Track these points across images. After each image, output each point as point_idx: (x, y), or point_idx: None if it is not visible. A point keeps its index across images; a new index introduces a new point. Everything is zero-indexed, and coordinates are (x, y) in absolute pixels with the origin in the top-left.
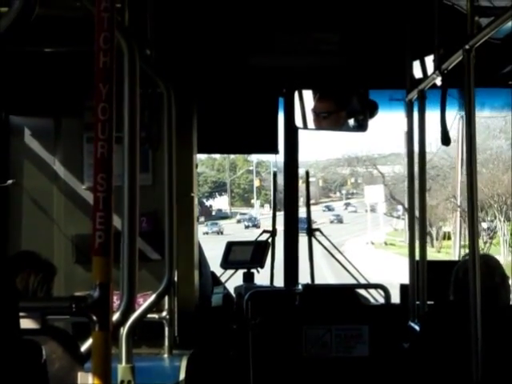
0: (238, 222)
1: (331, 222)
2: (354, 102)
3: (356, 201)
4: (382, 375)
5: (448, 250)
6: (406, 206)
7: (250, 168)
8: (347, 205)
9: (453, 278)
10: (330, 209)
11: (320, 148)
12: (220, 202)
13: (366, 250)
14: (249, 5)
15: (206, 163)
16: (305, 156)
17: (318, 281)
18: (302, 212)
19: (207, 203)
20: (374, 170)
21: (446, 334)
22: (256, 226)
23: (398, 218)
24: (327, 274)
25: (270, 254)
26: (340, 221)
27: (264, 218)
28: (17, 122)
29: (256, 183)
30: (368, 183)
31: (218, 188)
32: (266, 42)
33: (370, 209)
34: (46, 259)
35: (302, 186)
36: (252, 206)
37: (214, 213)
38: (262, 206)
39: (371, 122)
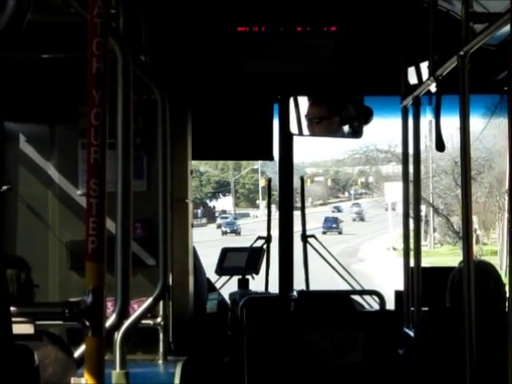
0: (218, 226)
1: (354, 219)
2: (349, 108)
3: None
4: (377, 381)
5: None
6: (430, 205)
7: (255, 167)
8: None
9: (449, 285)
10: (339, 210)
11: (333, 145)
12: (224, 203)
13: (386, 258)
14: (243, 11)
15: (209, 162)
16: (314, 155)
17: (313, 287)
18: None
19: (210, 204)
20: (389, 167)
21: (440, 340)
22: (236, 232)
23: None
24: (323, 281)
25: (265, 260)
26: (362, 218)
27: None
28: (11, 128)
29: (261, 183)
30: (383, 181)
31: (222, 188)
32: (260, 49)
33: (390, 207)
34: (14, 256)
35: (309, 185)
36: (257, 206)
37: (217, 214)
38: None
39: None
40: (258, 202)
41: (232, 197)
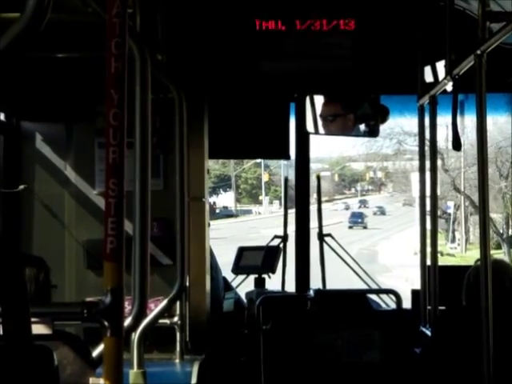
0: None
1: (374, 213)
2: (365, 106)
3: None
4: (394, 380)
5: None
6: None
7: (258, 161)
8: (362, 202)
9: (465, 284)
10: (346, 207)
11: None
12: (225, 199)
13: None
14: (260, 10)
15: None
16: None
17: (330, 286)
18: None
19: (211, 200)
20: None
21: (457, 339)
22: None
23: (448, 217)
24: (339, 279)
25: (282, 259)
26: (383, 212)
27: (273, 216)
28: (28, 127)
29: (264, 178)
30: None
31: (223, 183)
32: (277, 47)
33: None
34: (34, 256)
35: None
36: (260, 202)
37: (218, 211)
38: (270, 202)
39: None
40: (260, 197)
41: (233, 192)
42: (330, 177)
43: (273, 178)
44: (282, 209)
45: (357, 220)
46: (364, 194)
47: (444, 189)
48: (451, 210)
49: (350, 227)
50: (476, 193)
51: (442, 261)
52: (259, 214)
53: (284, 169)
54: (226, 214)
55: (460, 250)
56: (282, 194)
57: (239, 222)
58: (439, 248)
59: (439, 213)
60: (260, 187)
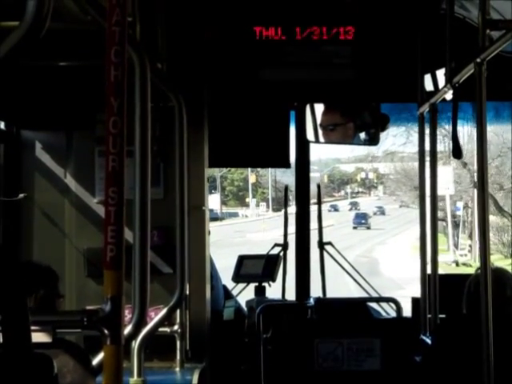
0: None
1: (374, 213)
2: (365, 115)
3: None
4: None
5: None
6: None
7: None
8: (353, 204)
9: (465, 292)
10: (335, 209)
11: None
12: (210, 201)
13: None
14: (260, 18)
15: None
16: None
17: (330, 294)
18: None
19: None
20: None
21: (458, 347)
22: None
23: (458, 220)
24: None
25: (282, 268)
26: (383, 213)
27: (260, 219)
28: (28, 136)
29: (251, 179)
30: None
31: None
32: (277, 56)
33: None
34: (45, 265)
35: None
36: (247, 205)
37: None
38: (257, 205)
39: None
40: (247, 200)
41: (218, 194)
42: (319, 178)
43: (260, 179)
44: (270, 211)
45: (360, 221)
46: (354, 196)
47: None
48: (461, 212)
49: (355, 228)
50: (496, 191)
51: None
52: (246, 216)
53: (272, 170)
54: (211, 217)
55: (471, 258)
56: (270, 197)
57: (224, 226)
58: (451, 257)
59: (443, 215)
60: (247, 189)
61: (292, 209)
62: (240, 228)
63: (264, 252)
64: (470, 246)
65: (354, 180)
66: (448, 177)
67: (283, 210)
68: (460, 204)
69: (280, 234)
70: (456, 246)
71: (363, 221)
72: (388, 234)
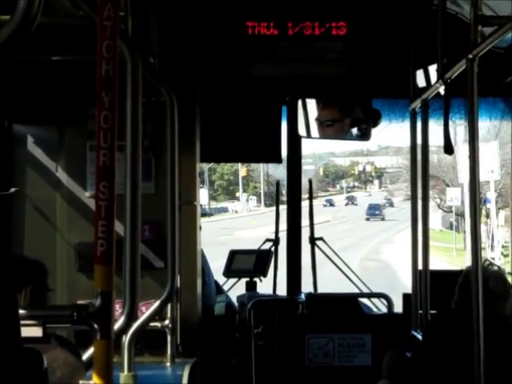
0: None
1: (383, 205)
2: (357, 110)
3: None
4: None
5: None
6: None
7: None
8: (350, 199)
9: (456, 288)
10: (331, 204)
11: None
12: None
13: None
14: (252, 13)
15: None
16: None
17: (322, 289)
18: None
19: None
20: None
21: (448, 342)
22: None
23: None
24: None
25: (273, 263)
26: (391, 204)
27: (250, 215)
28: (20, 130)
29: (242, 173)
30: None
31: None
32: (269, 51)
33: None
34: (33, 259)
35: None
36: (238, 199)
37: None
38: (247, 200)
39: None
40: (237, 194)
41: (206, 188)
42: (314, 171)
43: (252, 173)
44: (262, 206)
45: (374, 212)
46: (349, 191)
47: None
48: (492, 205)
49: (367, 219)
50: None
51: None
52: (236, 212)
53: (264, 164)
54: None
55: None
56: (262, 191)
57: (212, 222)
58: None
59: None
60: (237, 183)
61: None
62: (228, 224)
63: None
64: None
65: (349, 174)
66: (493, 156)
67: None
68: (491, 195)
69: (271, 230)
70: (489, 246)
71: (377, 212)
72: (403, 225)
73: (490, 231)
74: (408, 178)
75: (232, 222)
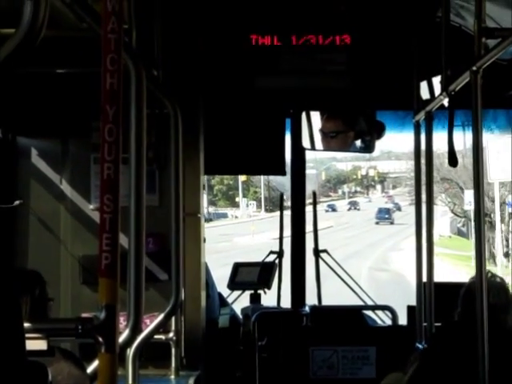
0: None
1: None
2: (361, 123)
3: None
4: None
5: None
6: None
7: None
8: (352, 204)
9: (459, 300)
10: (333, 209)
11: None
12: None
13: None
14: (255, 26)
15: None
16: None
17: (326, 302)
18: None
19: None
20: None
21: (452, 354)
22: None
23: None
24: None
25: (277, 275)
26: (399, 209)
27: (251, 221)
28: (24, 143)
29: (242, 177)
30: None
31: None
32: (273, 63)
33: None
34: (30, 270)
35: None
36: (237, 205)
37: None
38: (247, 205)
39: None
40: (237, 199)
41: (205, 193)
42: (315, 176)
43: (252, 178)
44: (262, 212)
45: (384, 216)
46: (351, 196)
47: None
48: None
49: (377, 223)
50: None
51: None
52: (236, 217)
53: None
54: None
55: None
56: (262, 196)
57: (211, 228)
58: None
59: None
60: (237, 188)
61: (285, 213)
62: (227, 230)
63: (252, 259)
64: None
65: (351, 179)
66: None
67: (278, 214)
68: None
69: (271, 237)
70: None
71: (386, 215)
72: (411, 229)
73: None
74: (409, 183)
75: (231, 228)
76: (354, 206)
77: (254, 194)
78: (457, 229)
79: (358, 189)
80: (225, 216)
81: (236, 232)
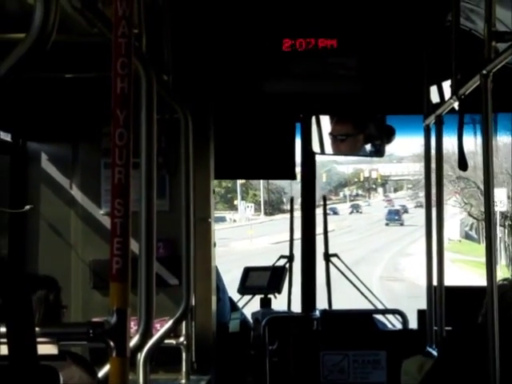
0: None
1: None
2: (371, 127)
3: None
4: None
5: None
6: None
7: None
8: (355, 207)
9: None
10: (335, 212)
11: None
12: None
13: None
14: (264, 30)
15: None
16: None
17: (337, 306)
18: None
19: None
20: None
21: (464, 359)
22: None
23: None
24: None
25: (288, 280)
26: (406, 211)
27: (249, 224)
28: (34, 147)
29: (240, 180)
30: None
31: None
32: (283, 68)
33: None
34: (45, 275)
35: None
36: (236, 208)
37: None
38: (245, 208)
39: None
40: (236, 202)
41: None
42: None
43: (251, 180)
44: (262, 215)
45: (394, 217)
46: (352, 199)
47: None
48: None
49: (387, 224)
50: None
51: None
52: (234, 221)
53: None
54: None
55: None
56: (262, 199)
57: None
58: None
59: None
60: (235, 191)
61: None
62: (225, 234)
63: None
64: None
65: (352, 182)
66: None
67: (278, 217)
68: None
69: (271, 241)
70: None
71: (396, 217)
72: (418, 232)
73: None
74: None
75: (229, 232)
76: (356, 208)
77: (253, 196)
78: (464, 232)
79: (360, 192)
80: (223, 220)
81: (233, 236)
